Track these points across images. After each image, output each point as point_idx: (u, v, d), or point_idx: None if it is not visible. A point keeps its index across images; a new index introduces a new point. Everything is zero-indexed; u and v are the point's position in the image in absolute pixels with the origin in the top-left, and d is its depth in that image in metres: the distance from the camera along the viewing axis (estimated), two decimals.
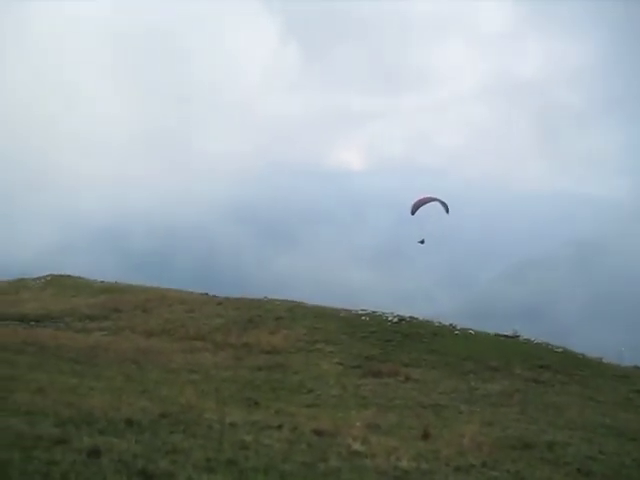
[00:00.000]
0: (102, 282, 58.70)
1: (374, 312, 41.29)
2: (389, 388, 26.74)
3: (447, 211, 33.07)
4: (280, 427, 14.38)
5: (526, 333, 39.31)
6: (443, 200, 33.23)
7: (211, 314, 42.75)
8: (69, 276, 61.89)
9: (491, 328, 40.63)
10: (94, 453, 9.28)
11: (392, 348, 34.42)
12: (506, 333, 38.87)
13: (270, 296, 46.92)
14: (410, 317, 40.06)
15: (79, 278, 61.30)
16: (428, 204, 33.03)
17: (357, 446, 12.85)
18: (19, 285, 60.33)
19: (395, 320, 39.10)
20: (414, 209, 33.23)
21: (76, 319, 44.45)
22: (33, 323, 43.85)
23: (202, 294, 50.98)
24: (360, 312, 41.36)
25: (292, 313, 41.32)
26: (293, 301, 45.18)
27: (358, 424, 16.36)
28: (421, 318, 40.38)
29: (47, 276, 61.69)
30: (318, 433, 14.00)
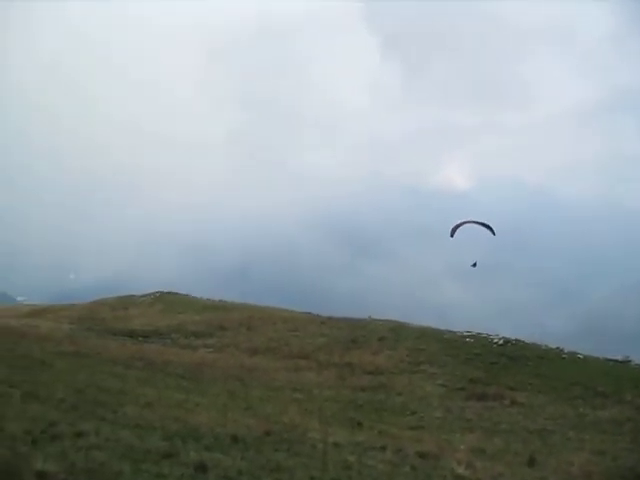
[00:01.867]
0: (207, 300, 59.84)
1: (479, 334, 40.61)
2: (494, 412, 26.13)
3: (493, 233, 32.84)
4: (384, 448, 14.24)
5: (639, 358, 37.74)
6: (486, 222, 33.14)
7: (315, 333, 42.94)
8: (176, 293, 63.35)
9: (602, 350, 39.24)
10: (201, 468, 9.41)
11: (497, 371, 33.71)
12: (617, 358, 37.40)
13: (373, 316, 46.83)
14: (516, 339, 39.11)
15: (185, 296, 62.69)
16: (467, 225, 32.91)
17: (462, 470, 12.60)
18: (127, 301, 62.13)
19: (500, 342, 38.30)
20: (452, 232, 33.04)
21: (182, 335, 45.46)
22: (141, 338, 45.08)
23: (305, 313, 51.24)
24: (464, 334, 40.74)
25: (395, 333, 41.08)
26: (396, 321, 44.93)
27: (462, 447, 16.07)
28: (527, 341, 39.33)
29: (155, 293, 63.34)
30: (422, 455, 13.81)
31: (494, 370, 33.82)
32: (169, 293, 63.42)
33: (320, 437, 13.97)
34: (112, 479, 7.94)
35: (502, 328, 42.24)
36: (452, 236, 32.85)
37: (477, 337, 39.94)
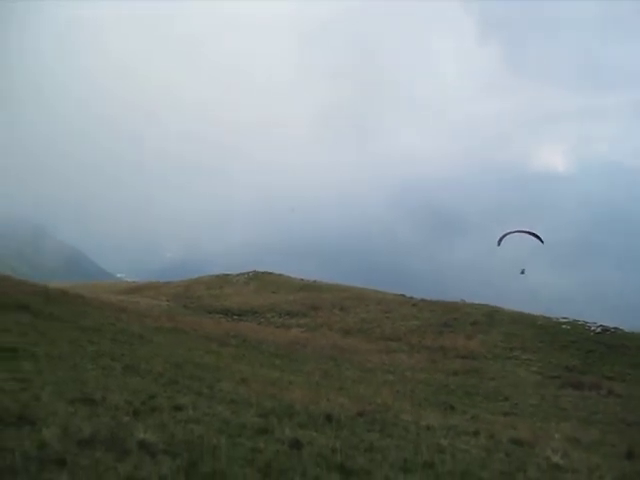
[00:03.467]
0: (301, 280, 60.55)
1: (575, 320, 39.73)
2: (590, 401, 25.51)
3: (542, 241, 34.32)
4: (477, 433, 14.08)
5: None
6: (534, 232, 34.79)
7: (407, 315, 42.91)
8: (270, 273, 64.29)
9: None
10: (295, 445, 9.51)
11: (594, 360, 32.93)
12: None
13: (467, 300, 46.47)
14: (614, 328, 38.05)
15: (280, 275, 63.54)
16: (515, 234, 34.54)
17: (557, 459, 12.35)
18: (223, 280, 63.43)
19: (598, 330, 37.36)
20: (500, 241, 34.54)
21: (276, 314, 46.17)
22: (236, 317, 45.95)
23: (398, 295, 51.27)
24: (560, 320, 39.93)
25: (489, 318, 40.65)
26: (489, 305, 44.45)
27: (557, 436, 15.75)
28: (626, 329, 38.24)
29: (250, 272, 64.44)
30: (516, 442, 13.60)
31: (591, 359, 33.06)
32: (263, 273, 64.46)
33: (412, 419, 13.97)
34: (209, 452, 8.09)
35: (595, 312, 41.30)
36: (499, 245, 33.63)
37: (573, 324, 39.09)
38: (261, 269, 65.94)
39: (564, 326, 38.64)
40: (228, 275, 65.67)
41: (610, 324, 38.63)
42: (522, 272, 35.11)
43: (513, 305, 45.39)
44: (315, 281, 59.97)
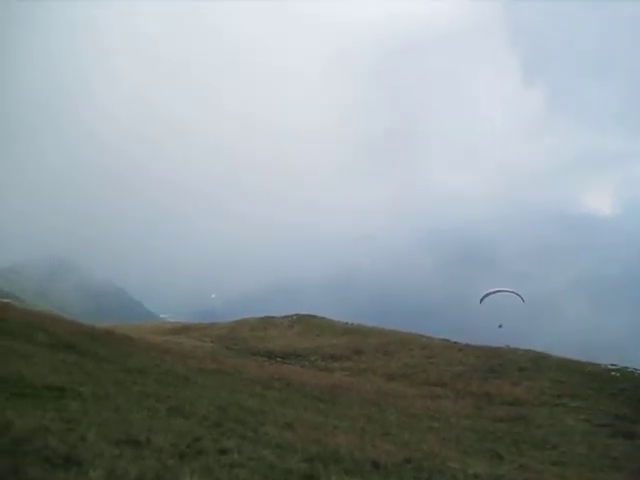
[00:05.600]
0: (345, 323, 60.38)
1: (624, 367, 38.92)
2: None
3: (522, 300, 37.79)
4: None
5: None
6: (515, 291, 38.02)
7: (452, 361, 42.49)
8: (314, 316, 64.26)
9: None
10: None
11: None
12: None
13: (512, 345, 45.89)
14: None
15: (323, 318, 63.45)
16: (497, 294, 37.71)
17: None
18: (268, 322, 63.52)
19: None
20: (481, 299, 37.86)
21: (319, 358, 45.99)
22: (279, 359, 45.85)
23: (443, 340, 50.80)
24: (609, 367, 39.16)
25: (535, 364, 40.06)
26: (536, 351, 43.84)
27: None
28: None
29: (294, 315, 64.55)
30: None
31: None
32: (307, 315, 64.43)
33: (460, 467, 13.74)
34: None
35: None
36: (480, 302, 35.23)
37: (622, 371, 38.27)
38: (305, 312, 66.14)
39: (613, 373, 37.86)
40: (272, 317, 65.83)
41: None
42: (500, 326, 36.99)
43: (561, 351, 44.79)
44: (359, 324, 59.79)
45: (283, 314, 66.16)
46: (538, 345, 45.69)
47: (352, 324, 60.23)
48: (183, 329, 65.43)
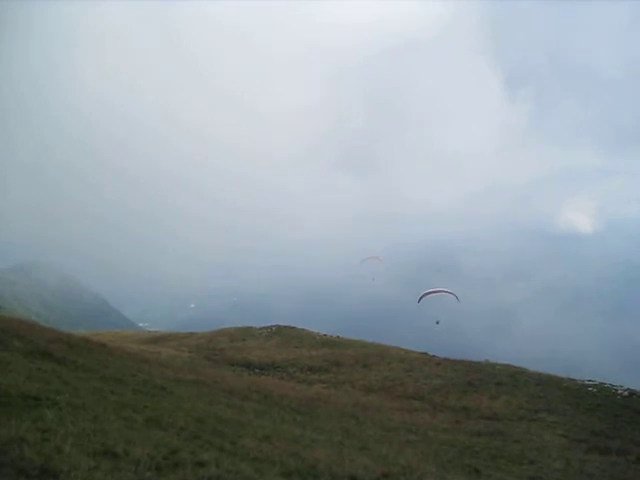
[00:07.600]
0: (324, 335, 60.38)
1: (602, 383, 39.07)
2: (618, 467, 24.78)
3: (458, 299, 39.20)
4: None
5: None
6: (451, 291, 39.97)
7: (430, 374, 42.56)
8: (293, 327, 64.25)
9: None
10: None
11: (621, 424, 32.12)
12: None
13: (491, 360, 46.07)
14: None
15: (302, 330, 63.40)
16: (435, 294, 39.50)
17: None
18: (246, 333, 63.42)
19: (625, 394, 36.65)
20: (420, 298, 39.28)
21: (298, 370, 45.91)
22: (258, 370, 45.76)
23: (421, 353, 50.86)
24: (586, 382, 39.31)
25: (513, 379, 40.20)
26: (514, 366, 44.04)
27: None
28: None
29: (273, 326, 64.48)
30: None
31: (618, 423, 32.29)
32: (286, 327, 64.44)
33: None
34: None
35: (623, 375, 41.02)
36: (419, 302, 36.70)
37: (600, 387, 38.42)
38: (284, 323, 66.10)
39: (590, 389, 38.00)
40: (251, 328, 65.75)
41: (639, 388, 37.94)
42: (437, 322, 38.61)
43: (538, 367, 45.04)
44: (338, 336, 59.80)
45: (262, 325, 66.13)
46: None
47: (331, 336, 60.24)
48: (161, 338, 65.26)
